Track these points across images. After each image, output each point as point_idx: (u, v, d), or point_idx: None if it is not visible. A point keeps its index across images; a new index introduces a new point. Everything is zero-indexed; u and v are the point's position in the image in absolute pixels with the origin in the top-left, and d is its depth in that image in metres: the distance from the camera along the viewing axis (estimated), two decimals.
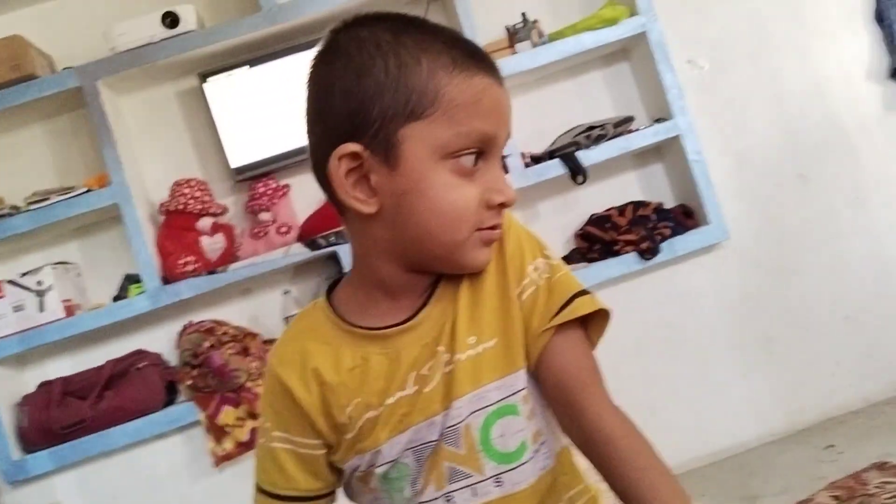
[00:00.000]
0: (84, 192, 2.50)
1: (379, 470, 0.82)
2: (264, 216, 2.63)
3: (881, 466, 0.79)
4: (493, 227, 0.80)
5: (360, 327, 0.84)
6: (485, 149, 0.78)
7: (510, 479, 0.79)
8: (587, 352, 0.83)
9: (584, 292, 0.83)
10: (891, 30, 2.73)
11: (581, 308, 0.81)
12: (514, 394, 0.80)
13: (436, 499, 0.80)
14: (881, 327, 2.74)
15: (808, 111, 2.79)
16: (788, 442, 2.62)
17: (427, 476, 0.80)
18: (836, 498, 0.77)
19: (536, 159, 2.63)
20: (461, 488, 0.79)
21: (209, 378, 2.47)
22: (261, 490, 0.87)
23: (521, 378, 0.81)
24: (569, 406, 0.78)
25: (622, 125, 2.64)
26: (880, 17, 2.77)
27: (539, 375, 0.81)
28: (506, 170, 2.56)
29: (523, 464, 0.80)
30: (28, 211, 2.47)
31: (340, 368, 0.82)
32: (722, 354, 2.70)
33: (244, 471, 2.53)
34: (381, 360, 0.82)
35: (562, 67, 2.73)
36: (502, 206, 0.80)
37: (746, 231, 2.72)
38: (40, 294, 2.46)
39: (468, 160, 0.76)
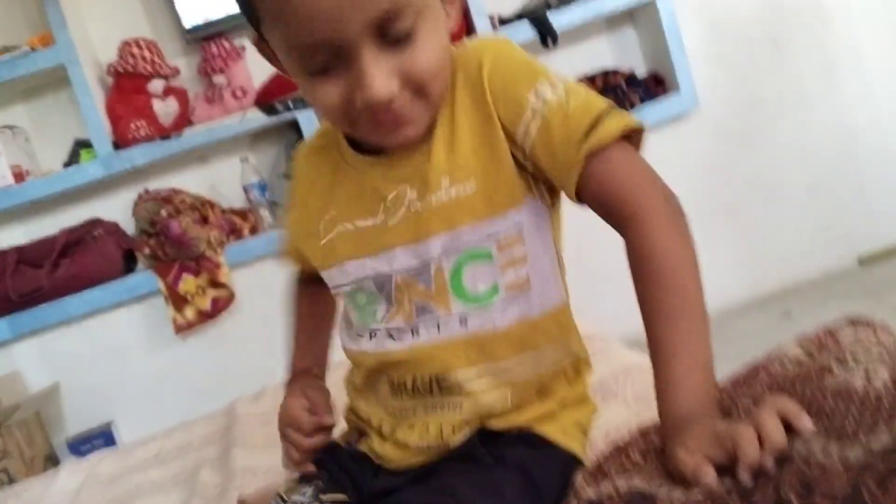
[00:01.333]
0: (28, 52, 2.36)
1: (346, 289, 0.83)
2: (218, 79, 2.52)
3: (854, 321, 0.77)
4: (376, 121, 0.73)
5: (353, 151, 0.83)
6: (321, 56, 0.69)
7: (474, 320, 0.77)
8: (633, 168, 0.77)
9: (609, 110, 0.75)
10: None
11: (610, 130, 0.73)
12: (489, 238, 0.76)
13: (402, 328, 0.79)
14: (843, 197, 2.75)
15: None
16: (747, 309, 2.67)
17: (397, 308, 0.80)
18: (806, 352, 0.75)
19: (504, 21, 2.52)
20: (427, 323, 0.78)
21: (167, 246, 2.42)
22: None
23: (503, 224, 0.77)
24: (627, 237, 0.75)
25: None
26: None
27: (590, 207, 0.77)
28: (469, 31, 2.45)
29: (491, 307, 0.77)
30: None
31: (317, 180, 0.86)
32: None
33: (206, 339, 2.52)
34: (352, 185, 0.82)
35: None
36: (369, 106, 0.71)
37: (716, 99, 2.67)
38: None
39: (313, 67, 0.70)
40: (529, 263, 0.79)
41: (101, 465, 1.38)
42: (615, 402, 0.96)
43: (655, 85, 2.63)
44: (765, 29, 2.70)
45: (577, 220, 0.87)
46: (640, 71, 2.68)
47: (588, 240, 1.42)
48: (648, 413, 0.87)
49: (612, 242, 0.79)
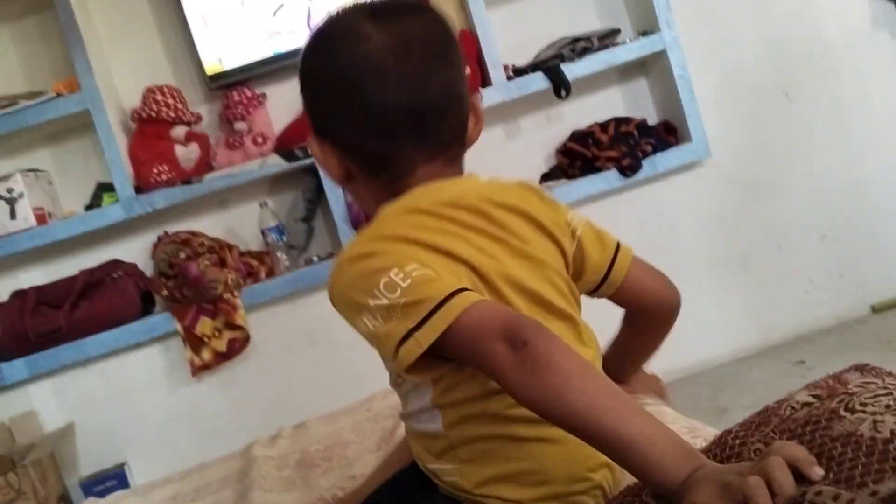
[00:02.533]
0: (53, 98, 2.43)
1: None
2: (240, 126, 2.57)
3: (861, 368, 0.79)
4: None
5: None
6: None
7: None
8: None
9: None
10: None
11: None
12: None
13: None
14: (855, 246, 2.77)
15: (795, 26, 2.74)
16: (760, 358, 2.66)
17: None
18: (815, 396, 0.77)
19: (519, 72, 2.58)
20: None
21: (185, 288, 2.45)
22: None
23: None
24: None
25: (607, 38, 2.58)
26: None
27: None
28: (484, 83, 2.51)
29: None
30: None
31: None
32: (698, 272, 2.72)
33: (221, 381, 2.54)
34: None
35: None
36: None
37: (727, 149, 2.70)
38: (10, 202, 2.41)
39: None
40: None
41: None
42: None
43: (667, 133, 2.67)
44: (775, 79, 2.74)
45: None
46: (652, 120, 2.72)
47: None
48: None
49: None
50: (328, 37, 0.87)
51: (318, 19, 0.89)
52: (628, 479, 0.69)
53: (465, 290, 0.74)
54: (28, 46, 2.58)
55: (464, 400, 0.80)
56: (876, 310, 2.76)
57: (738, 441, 0.71)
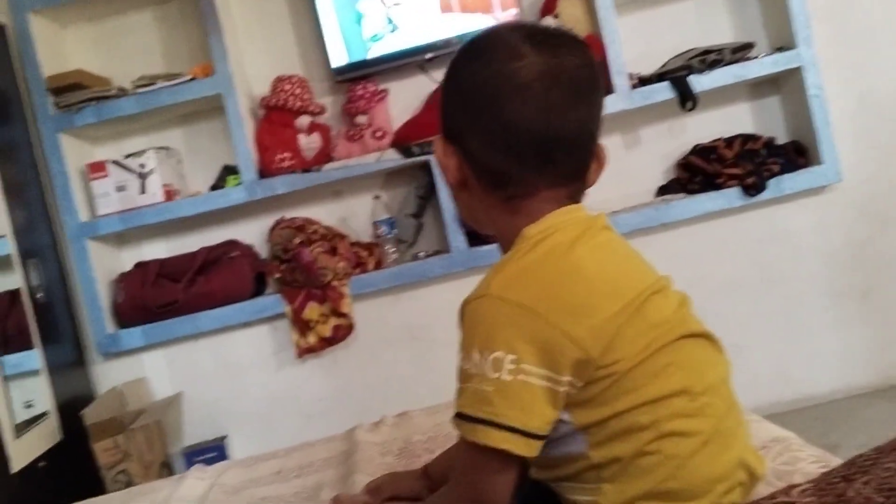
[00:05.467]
0: (189, 80, 2.53)
1: None
2: (361, 119, 2.62)
3: None
4: None
5: None
6: None
7: None
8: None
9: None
10: None
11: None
12: None
13: None
14: None
15: None
16: (876, 397, 2.52)
17: None
18: None
19: (644, 81, 2.52)
20: None
21: (297, 273, 2.52)
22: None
23: None
24: None
25: (740, 51, 2.50)
26: None
27: None
28: (608, 90, 2.46)
29: None
30: (135, 94, 2.52)
31: None
32: (817, 301, 2.60)
33: (323, 366, 2.60)
34: None
35: None
36: None
37: (859, 175, 2.57)
38: (143, 177, 2.53)
39: None
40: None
41: (225, 476, 1.43)
42: None
43: (796, 154, 2.56)
44: None
45: None
46: (781, 139, 2.61)
47: None
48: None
49: None
50: (484, 46, 0.88)
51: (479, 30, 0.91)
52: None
53: (532, 436, 0.78)
54: (169, 30, 2.71)
55: (613, 415, 0.80)
56: None
57: (868, 462, 0.67)
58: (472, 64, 0.87)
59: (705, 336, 0.87)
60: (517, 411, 0.77)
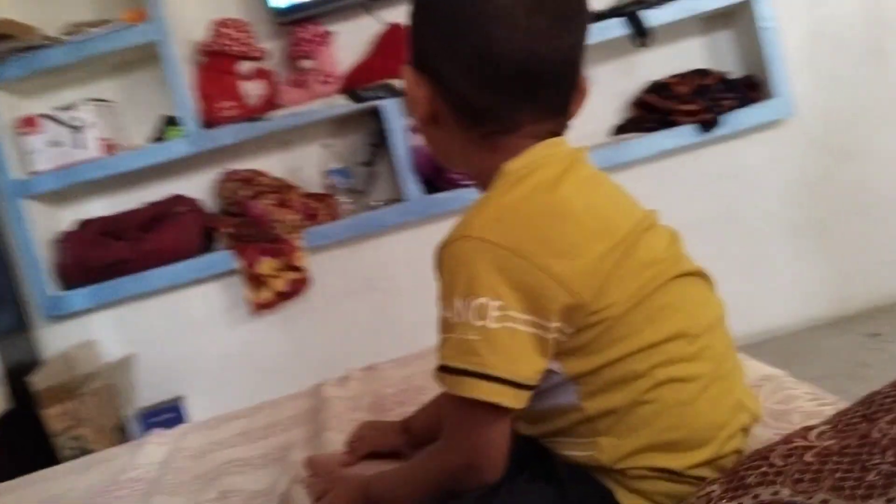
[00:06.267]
0: (121, 28, 2.39)
1: None
2: (306, 64, 2.51)
3: None
4: None
5: None
6: None
7: None
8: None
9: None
10: None
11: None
12: None
13: None
14: None
15: None
16: (833, 328, 2.56)
17: None
18: None
19: (596, 17, 2.46)
20: None
21: (247, 227, 2.43)
22: None
23: None
24: None
25: None
26: None
27: None
28: None
29: None
30: (64, 44, 2.37)
31: None
32: (775, 235, 2.61)
33: (279, 321, 2.53)
34: None
35: None
36: None
37: (813, 108, 2.57)
38: (78, 130, 2.40)
39: None
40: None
41: (186, 439, 1.37)
42: None
43: (749, 89, 2.54)
44: (867, 37, 2.59)
45: None
46: (734, 74, 2.59)
47: None
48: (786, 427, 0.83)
49: None
50: None
51: None
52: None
53: (522, 386, 0.73)
54: None
55: (606, 364, 0.75)
56: None
57: (889, 400, 0.64)
58: None
59: (698, 274, 0.83)
60: (505, 361, 0.72)
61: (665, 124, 2.49)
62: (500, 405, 0.72)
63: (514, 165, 0.79)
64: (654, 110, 2.52)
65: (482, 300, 0.72)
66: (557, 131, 0.83)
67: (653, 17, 2.41)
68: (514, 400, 0.73)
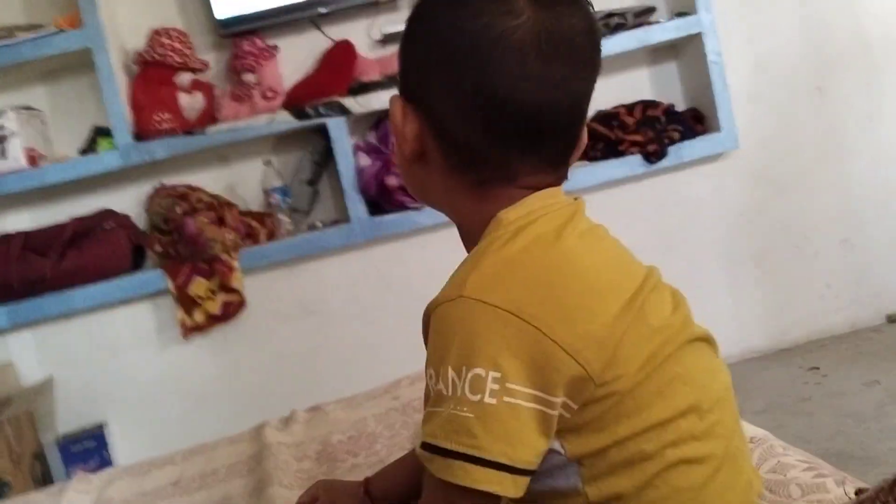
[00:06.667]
0: (53, 33, 2.27)
1: None
2: (248, 78, 2.43)
3: None
4: None
5: None
6: None
7: None
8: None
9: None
10: None
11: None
12: None
13: None
14: (876, 253, 2.68)
15: (836, 21, 2.63)
16: (772, 360, 2.58)
17: None
18: None
19: None
20: None
21: (181, 245, 2.33)
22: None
23: None
24: None
25: (642, 15, 2.46)
26: None
27: None
28: None
29: None
30: None
31: None
32: (715, 266, 2.63)
33: (213, 345, 2.42)
34: None
35: None
36: None
37: (756, 142, 2.59)
38: (1, 140, 2.26)
39: None
40: None
41: (112, 488, 1.23)
42: None
43: (695, 121, 2.55)
44: (810, 74, 2.64)
45: None
46: (680, 106, 2.60)
47: None
48: None
49: None
50: None
51: None
52: None
53: (521, 472, 0.63)
54: None
55: (613, 443, 0.66)
56: (892, 319, 2.68)
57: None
58: (456, 10, 0.70)
59: (706, 339, 0.76)
60: (503, 442, 0.62)
61: (612, 154, 2.48)
62: (494, 494, 0.63)
63: (512, 215, 0.70)
64: (600, 139, 2.51)
65: (478, 371, 0.63)
66: (555, 183, 0.75)
67: (604, 46, 2.39)
68: (511, 488, 0.63)
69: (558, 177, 0.75)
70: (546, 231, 0.70)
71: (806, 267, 2.66)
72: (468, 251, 0.75)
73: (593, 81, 0.74)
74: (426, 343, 0.69)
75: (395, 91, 0.77)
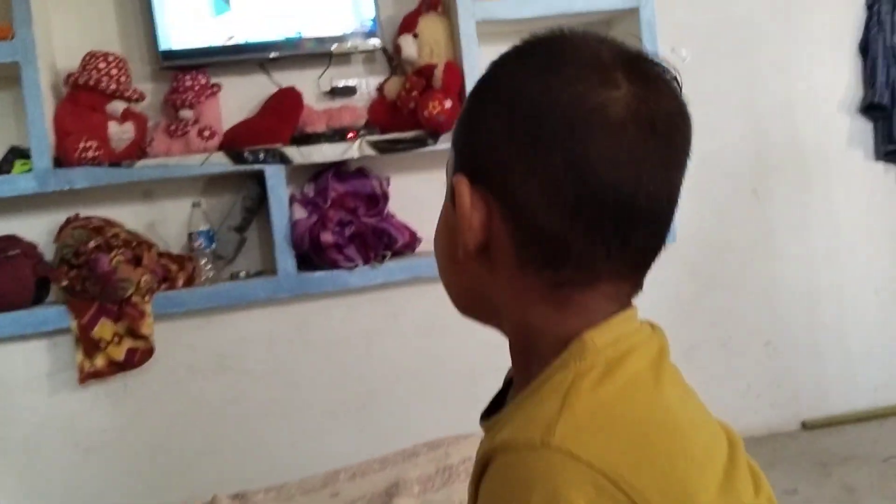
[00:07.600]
0: None
1: None
2: (185, 114, 2.31)
3: None
4: None
5: None
6: None
7: None
8: None
9: None
10: (873, 63, 2.66)
11: None
12: None
13: None
14: (796, 358, 2.72)
15: (776, 127, 2.71)
16: None
17: None
18: None
19: None
20: None
21: (90, 283, 2.16)
22: None
23: None
24: None
25: None
26: (865, 49, 2.71)
27: None
28: None
29: None
30: None
31: None
32: None
33: (112, 391, 2.23)
34: None
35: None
36: None
37: (692, 237, 2.61)
38: None
39: None
40: None
41: None
42: None
43: None
44: (748, 176, 2.70)
45: None
46: None
47: None
48: None
49: None
50: (563, 55, 0.60)
51: (545, 32, 0.63)
52: None
53: None
54: None
55: None
56: (807, 426, 2.70)
57: None
58: (545, 77, 0.59)
59: None
60: None
61: None
62: None
63: (599, 340, 0.58)
64: None
65: None
66: (631, 294, 0.64)
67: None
68: None
69: (634, 287, 0.64)
70: (642, 370, 0.59)
71: (730, 365, 2.68)
72: (520, 368, 0.63)
73: (683, 173, 0.64)
74: (474, 487, 0.57)
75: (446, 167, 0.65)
